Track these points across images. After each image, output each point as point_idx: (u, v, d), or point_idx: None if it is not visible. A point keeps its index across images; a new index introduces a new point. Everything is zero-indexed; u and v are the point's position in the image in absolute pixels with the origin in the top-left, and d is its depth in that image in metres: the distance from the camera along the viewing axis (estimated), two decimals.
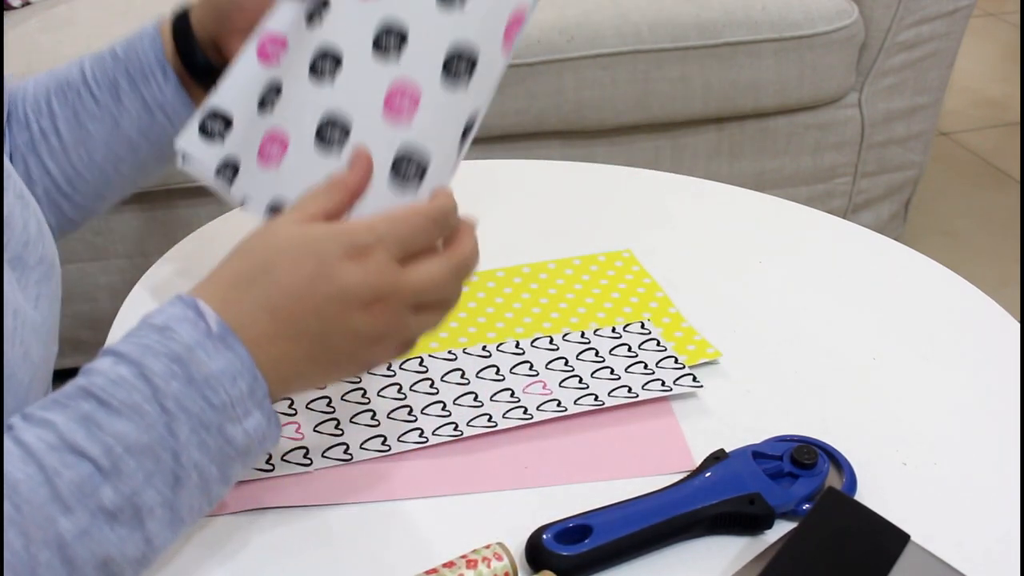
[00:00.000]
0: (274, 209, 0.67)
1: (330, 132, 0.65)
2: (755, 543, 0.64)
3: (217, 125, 0.72)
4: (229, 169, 0.71)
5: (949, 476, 0.70)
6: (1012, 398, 0.76)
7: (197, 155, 0.72)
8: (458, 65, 0.64)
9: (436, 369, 0.76)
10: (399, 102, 0.65)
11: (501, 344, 0.79)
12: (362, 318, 0.55)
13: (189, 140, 0.72)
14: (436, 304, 0.59)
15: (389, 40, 0.66)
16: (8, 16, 1.62)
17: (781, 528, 0.64)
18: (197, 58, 0.74)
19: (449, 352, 0.78)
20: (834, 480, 0.67)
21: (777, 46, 1.75)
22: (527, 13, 0.66)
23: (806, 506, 0.65)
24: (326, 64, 0.68)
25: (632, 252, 0.91)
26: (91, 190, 0.77)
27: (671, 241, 0.93)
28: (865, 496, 0.67)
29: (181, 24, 0.75)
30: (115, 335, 0.79)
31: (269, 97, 0.70)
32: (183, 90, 0.76)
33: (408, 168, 0.63)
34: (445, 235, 0.58)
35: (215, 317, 0.52)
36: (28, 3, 1.66)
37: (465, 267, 0.58)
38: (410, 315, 0.57)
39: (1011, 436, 0.73)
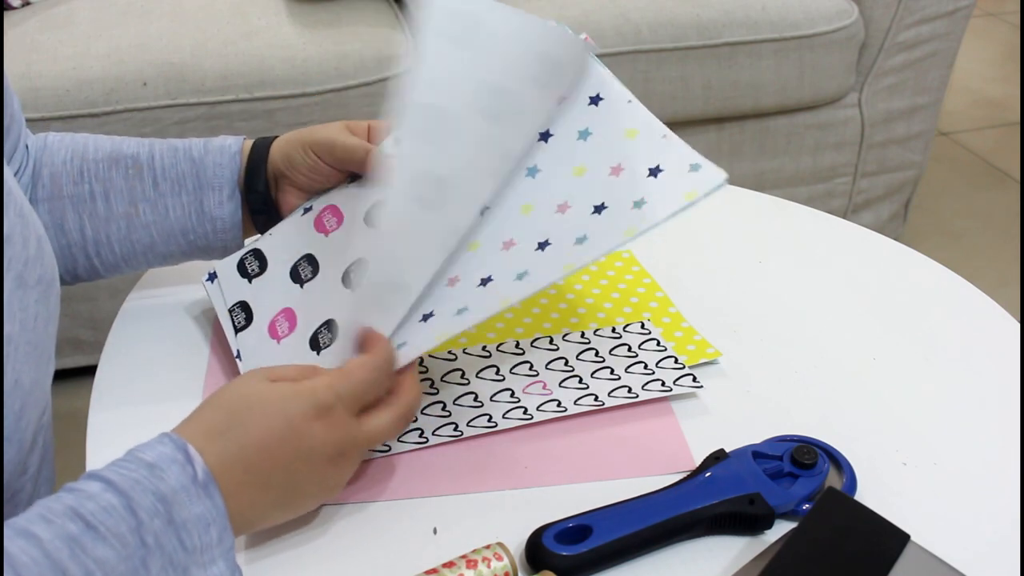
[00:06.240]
0: None
1: (323, 336, 0.69)
2: (755, 543, 0.64)
3: (254, 266, 0.76)
4: (241, 314, 0.75)
5: (949, 476, 0.70)
6: (1012, 398, 0.76)
7: (223, 283, 0.77)
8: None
9: (436, 369, 0.76)
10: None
11: (501, 344, 0.79)
12: (327, 470, 0.60)
13: (226, 266, 0.77)
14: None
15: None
16: (8, 16, 1.62)
17: (781, 528, 0.64)
18: (258, 186, 0.77)
19: (449, 352, 0.78)
20: (834, 480, 0.67)
21: (777, 46, 1.75)
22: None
23: (806, 506, 0.65)
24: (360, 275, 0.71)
25: (632, 252, 0.91)
26: (113, 261, 0.79)
27: (671, 241, 0.93)
28: (865, 496, 0.67)
29: (259, 152, 0.78)
30: (116, 334, 0.80)
31: (303, 269, 0.74)
32: (239, 212, 0.78)
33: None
34: (391, 380, 0.65)
35: (202, 464, 0.55)
36: (28, 3, 1.66)
37: (410, 413, 0.65)
38: (363, 455, 0.64)
39: (1011, 436, 0.73)
